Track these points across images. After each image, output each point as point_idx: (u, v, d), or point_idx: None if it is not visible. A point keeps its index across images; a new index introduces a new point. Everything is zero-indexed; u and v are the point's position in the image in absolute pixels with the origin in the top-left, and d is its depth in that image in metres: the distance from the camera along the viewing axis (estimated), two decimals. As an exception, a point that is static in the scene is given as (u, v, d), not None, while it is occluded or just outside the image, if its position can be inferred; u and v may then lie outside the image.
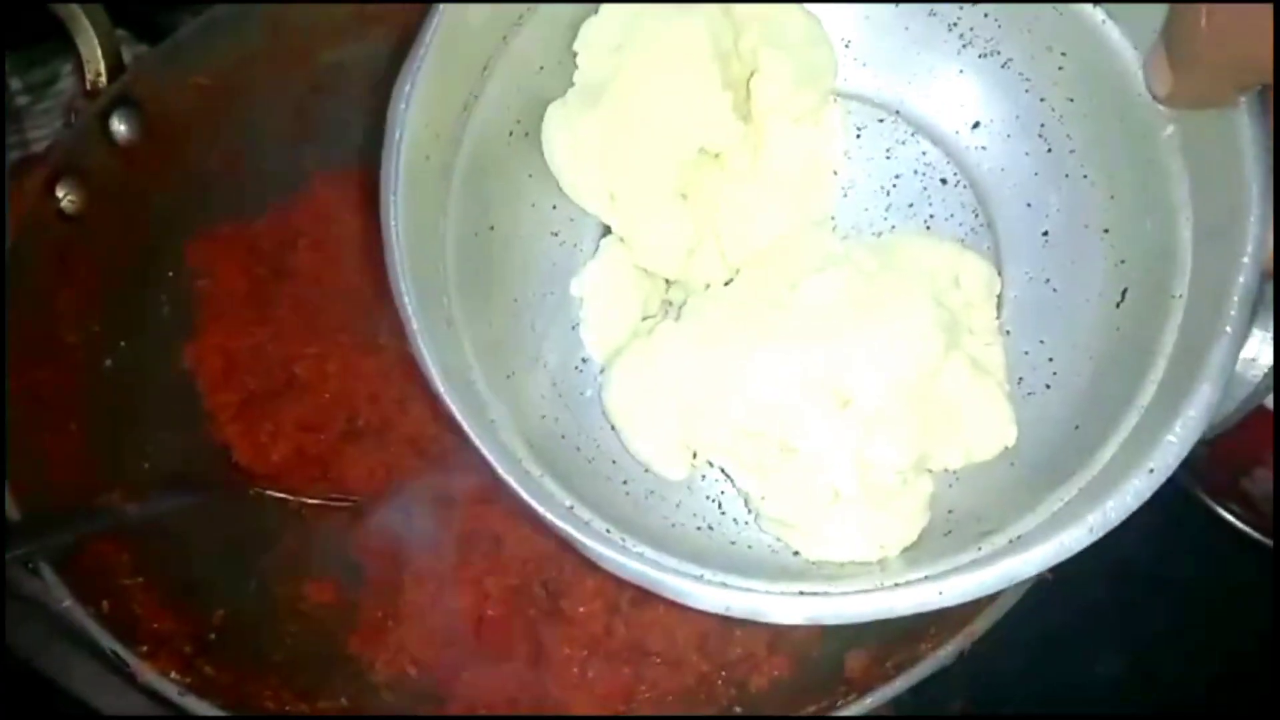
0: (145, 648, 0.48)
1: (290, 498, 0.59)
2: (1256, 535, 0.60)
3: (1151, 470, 0.34)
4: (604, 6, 0.43)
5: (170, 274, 0.63)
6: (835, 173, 0.47)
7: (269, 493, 0.59)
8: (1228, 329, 0.35)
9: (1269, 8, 0.31)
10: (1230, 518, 0.61)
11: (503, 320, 0.44)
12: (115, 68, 0.59)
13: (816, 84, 0.45)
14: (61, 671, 0.59)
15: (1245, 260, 0.34)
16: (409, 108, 0.39)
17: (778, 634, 0.54)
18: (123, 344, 0.60)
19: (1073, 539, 0.35)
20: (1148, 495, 0.34)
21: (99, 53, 0.58)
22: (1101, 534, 0.34)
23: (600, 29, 0.43)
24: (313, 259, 0.65)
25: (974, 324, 0.42)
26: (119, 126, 0.59)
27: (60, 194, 0.57)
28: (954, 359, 0.41)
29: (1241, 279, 0.35)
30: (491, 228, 0.44)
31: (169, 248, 0.63)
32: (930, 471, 0.41)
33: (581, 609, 0.56)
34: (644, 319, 0.45)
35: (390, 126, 0.39)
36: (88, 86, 0.58)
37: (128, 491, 0.54)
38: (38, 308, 0.56)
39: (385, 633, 0.56)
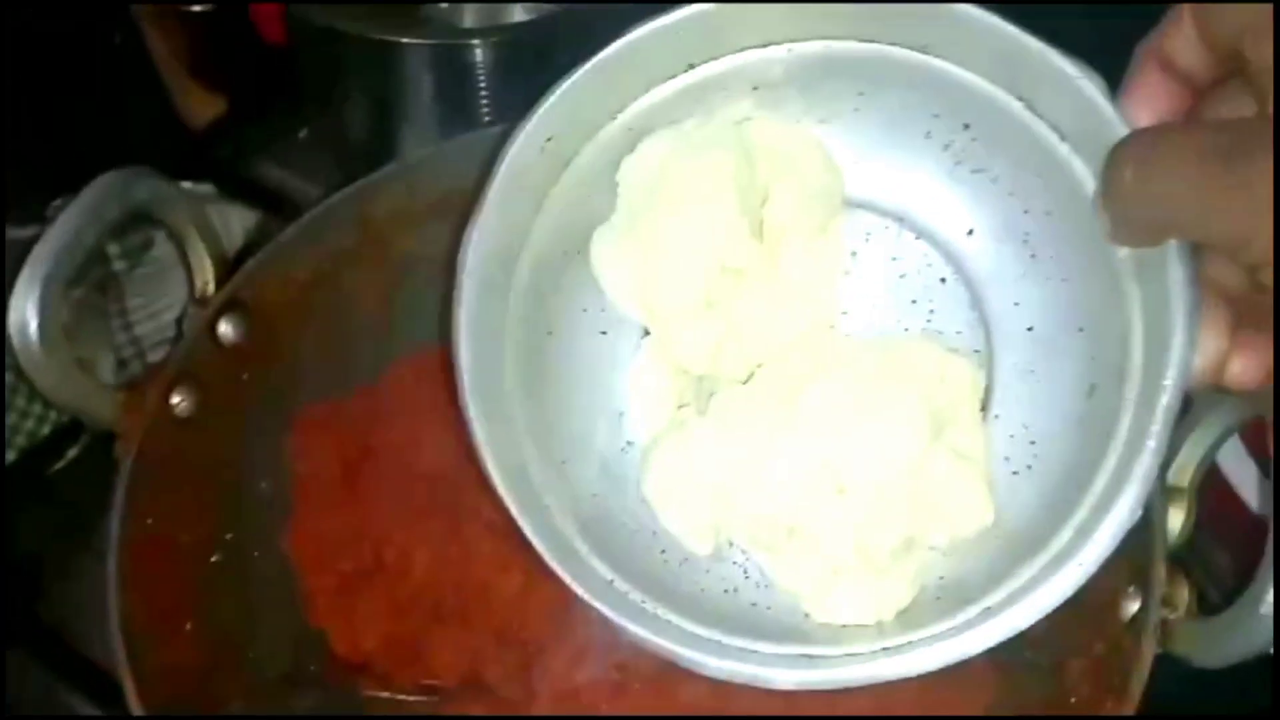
0: None
1: (388, 695, 0.63)
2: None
3: (1079, 565, 0.41)
4: (640, 145, 0.51)
5: (269, 461, 0.67)
6: (845, 274, 0.53)
7: (370, 693, 0.63)
8: (1150, 443, 0.41)
9: (1187, 179, 0.36)
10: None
11: (557, 412, 0.52)
12: (222, 272, 0.64)
13: (824, 204, 0.52)
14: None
15: (1167, 383, 0.41)
16: (475, 244, 0.48)
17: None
18: (228, 536, 0.63)
19: (1010, 623, 0.42)
20: (1074, 589, 0.41)
21: (207, 263, 0.64)
22: (1037, 618, 0.41)
23: (638, 165, 0.51)
24: (399, 437, 0.69)
25: (958, 417, 0.49)
26: (227, 330, 0.63)
27: (176, 401, 0.60)
28: (938, 450, 0.47)
29: (1164, 400, 0.41)
30: (549, 332, 0.52)
31: (268, 436, 0.67)
32: (919, 547, 0.48)
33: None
34: (680, 407, 0.53)
35: (460, 261, 0.48)
36: (196, 295, 0.63)
37: (245, 697, 0.59)
38: (157, 517, 0.59)
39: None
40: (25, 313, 0.54)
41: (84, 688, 0.71)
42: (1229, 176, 0.34)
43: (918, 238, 0.53)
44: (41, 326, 0.55)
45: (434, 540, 0.65)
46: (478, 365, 0.47)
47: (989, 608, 0.44)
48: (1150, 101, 0.41)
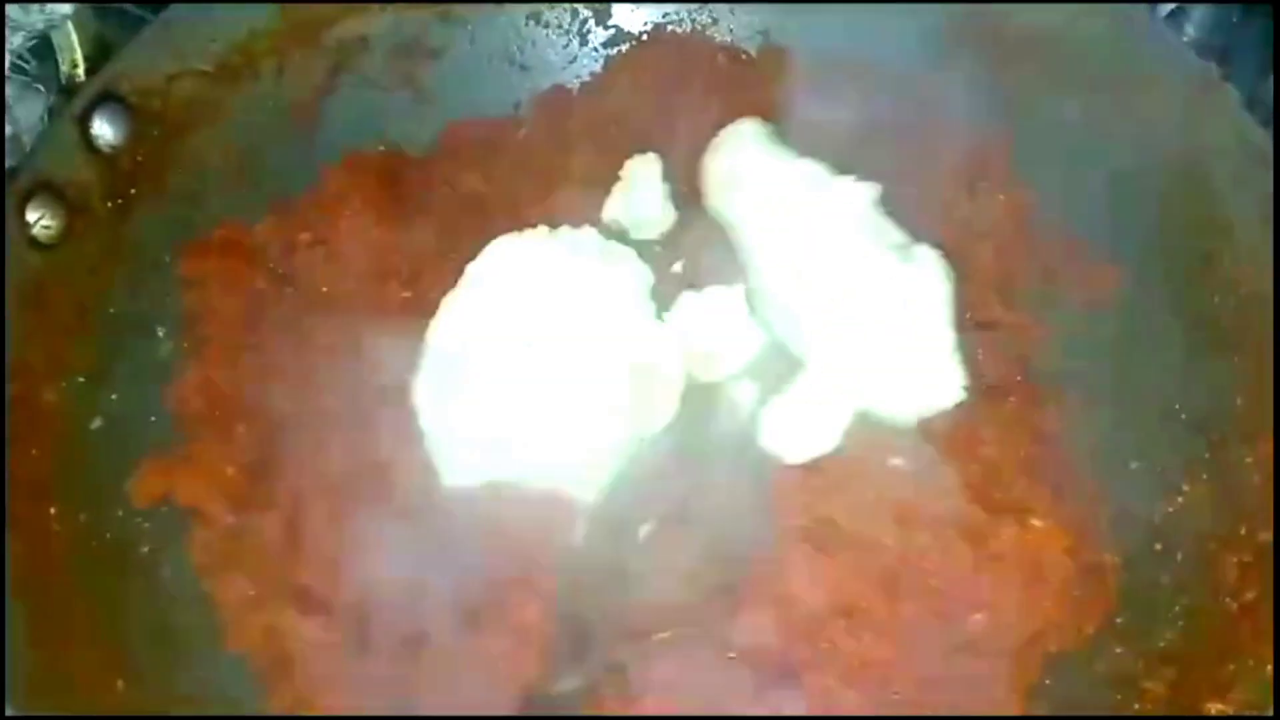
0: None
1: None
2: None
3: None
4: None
5: (165, 298, 0.54)
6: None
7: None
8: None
9: None
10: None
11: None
12: (96, 55, 0.50)
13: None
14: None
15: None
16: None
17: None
18: (114, 396, 0.51)
19: None
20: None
21: (74, 39, 0.49)
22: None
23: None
24: (316, 259, 0.56)
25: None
26: (102, 129, 0.49)
27: (33, 218, 0.47)
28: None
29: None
30: None
31: (161, 266, 0.54)
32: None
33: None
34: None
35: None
36: (63, 81, 0.49)
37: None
38: (13, 368, 0.47)
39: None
40: None
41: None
42: None
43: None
44: None
45: (342, 422, 0.51)
46: None
47: None
48: None
